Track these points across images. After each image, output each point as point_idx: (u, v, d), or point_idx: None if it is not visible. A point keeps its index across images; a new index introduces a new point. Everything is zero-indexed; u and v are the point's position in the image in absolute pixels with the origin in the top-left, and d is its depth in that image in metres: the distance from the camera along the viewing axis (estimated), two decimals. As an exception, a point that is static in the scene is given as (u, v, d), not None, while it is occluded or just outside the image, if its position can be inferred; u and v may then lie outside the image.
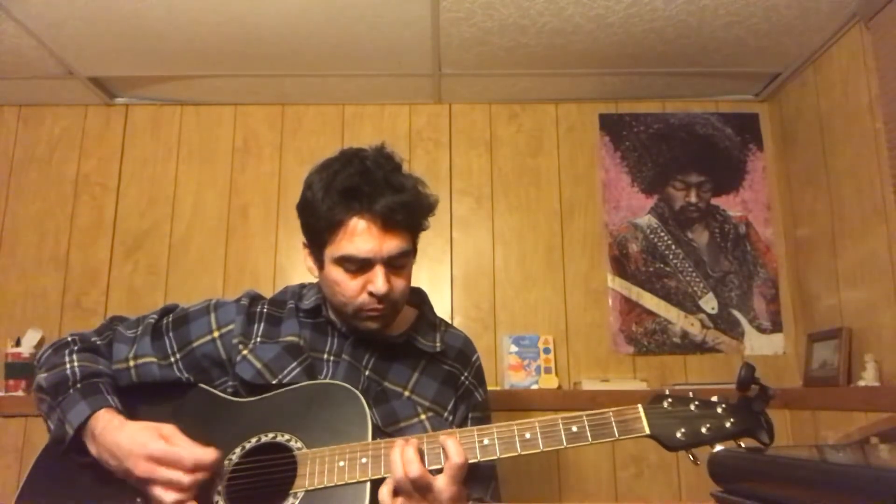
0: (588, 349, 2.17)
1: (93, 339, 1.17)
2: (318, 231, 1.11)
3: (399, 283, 1.13)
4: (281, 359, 1.15)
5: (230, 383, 1.16)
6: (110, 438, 1.00)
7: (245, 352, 1.16)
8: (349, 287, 1.11)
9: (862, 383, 1.73)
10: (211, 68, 2.12)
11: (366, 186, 1.08)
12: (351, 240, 1.08)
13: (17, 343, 2.08)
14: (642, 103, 2.34)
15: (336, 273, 1.11)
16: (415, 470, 0.92)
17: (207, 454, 0.96)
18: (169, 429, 0.99)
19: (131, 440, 0.98)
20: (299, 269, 2.18)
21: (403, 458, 0.94)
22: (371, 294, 1.10)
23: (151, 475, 0.96)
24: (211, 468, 0.97)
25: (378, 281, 1.08)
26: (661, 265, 2.22)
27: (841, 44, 1.90)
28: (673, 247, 2.23)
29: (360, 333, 1.17)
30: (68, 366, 1.09)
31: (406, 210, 1.10)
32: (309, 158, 2.27)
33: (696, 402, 0.98)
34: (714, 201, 2.27)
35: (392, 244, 1.09)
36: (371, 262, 1.09)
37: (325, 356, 1.18)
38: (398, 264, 1.12)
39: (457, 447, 0.94)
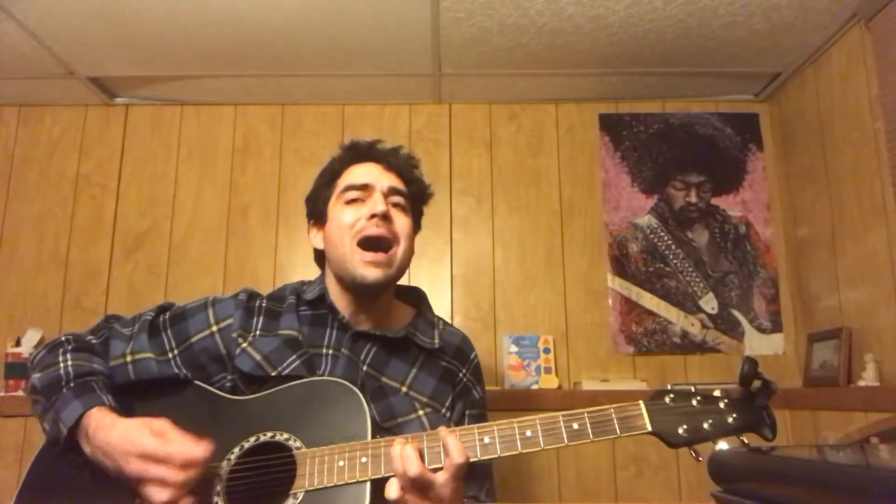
0: (588, 349, 2.16)
1: (87, 338, 1.17)
2: (325, 186, 1.24)
3: (400, 221, 1.20)
4: (280, 351, 1.15)
5: (229, 377, 1.15)
6: (102, 437, 0.99)
7: (244, 344, 1.16)
8: (351, 216, 1.18)
9: (862, 383, 1.73)
10: (211, 68, 2.12)
11: (367, 143, 1.26)
12: (352, 174, 1.22)
13: (17, 343, 2.09)
14: (642, 103, 2.34)
15: (339, 211, 1.19)
16: (414, 468, 0.92)
17: (198, 450, 0.94)
18: (161, 424, 0.97)
19: (123, 437, 0.97)
20: (299, 269, 2.19)
21: (402, 456, 0.93)
22: (372, 216, 1.15)
23: (142, 473, 0.94)
24: (203, 464, 0.94)
25: (378, 203, 1.16)
26: (661, 265, 2.22)
27: (841, 44, 1.90)
28: (673, 247, 2.23)
29: (360, 305, 1.19)
30: (61, 365, 1.08)
31: (403, 159, 1.25)
32: (309, 158, 2.31)
33: (698, 398, 0.96)
34: (714, 201, 2.27)
35: (392, 179, 1.22)
36: (371, 188, 1.19)
37: (324, 350, 1.18)
38: (398, 202, 1.21)
39: (457, 445, 0.94)
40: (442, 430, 0.98)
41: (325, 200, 1.23)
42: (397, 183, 1.21)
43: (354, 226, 1.15)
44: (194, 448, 0.94)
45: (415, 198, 1.25)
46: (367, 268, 1.14)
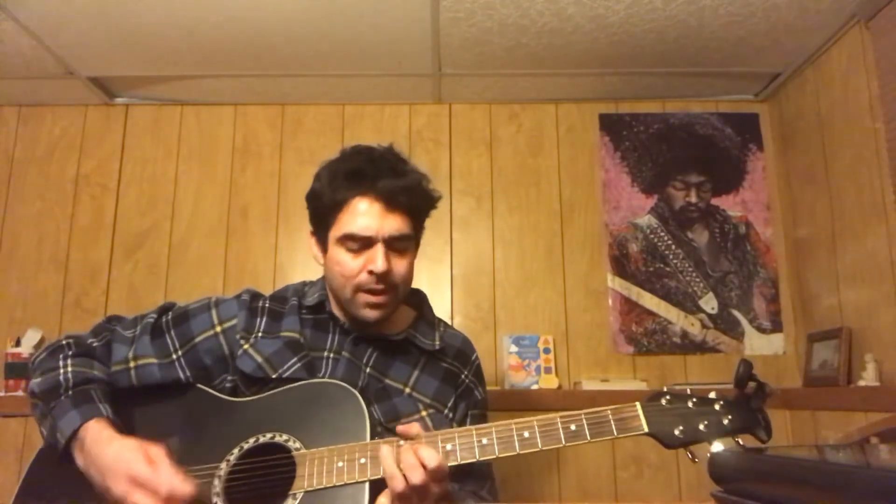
0: (588, 349, 2.16)
1: (89, 341, 1.16)
2: (324, 213, 1.15)
3: (399, 267, 1.15)
4: (281, 353, 1.15)
5: (229, 378, 1.16)
6: (97, 452, 0.98)
7: (246, 346, 1.16)
8: (349, 266, 1.13)
9: (862, 383, 1.73)
10: (211, 68, 2.12)
11: (370, 169, 1.13)
12: (353, 218, 1.12)
13: (17, 343, 2.09)
14: (642, 103, 2.34)
15: (339, 253, 1.14)
16: (418, 477, 0.91)
17: (184, 487, 0.93)
18: (156, 451, 0.97)
19: (116, 457, 0.96)
20: (299, 269, 2.19)
21: (406, 466, 0.92)
22: (371, 273, 1.11)
23: (126, 497, 0.93)
24: (185, 501, 0.94)
25: (378, 260, 1.11)
26: (661, 265, 2.22)
27: (841, 44, 1.90)
28: (673, 247, 2.23)
29: (360, 326, 1.18)
30: (61, 371, 1.08)
31: (408, 193, 1.14)
32: (309, 158, 2.31)
33: (694, 400, 0.97)
34: (714, 201, 2.27)
35: (393, 225, 1.13)
36: (372, 241, 1.12)
37: (326, 353, 1.18)
38: (399, 247, 1.15)
39: (430, 453, 0.93)
40: (413, 444, 0.97)
41: (325, 227, 1.16)
42: (400, 226, 1.13)
43: (354, 277, 1.13)
44: (181, 483, 0.94)
45: (421, 226, 1.21)
46: (366, 309, 1.14)
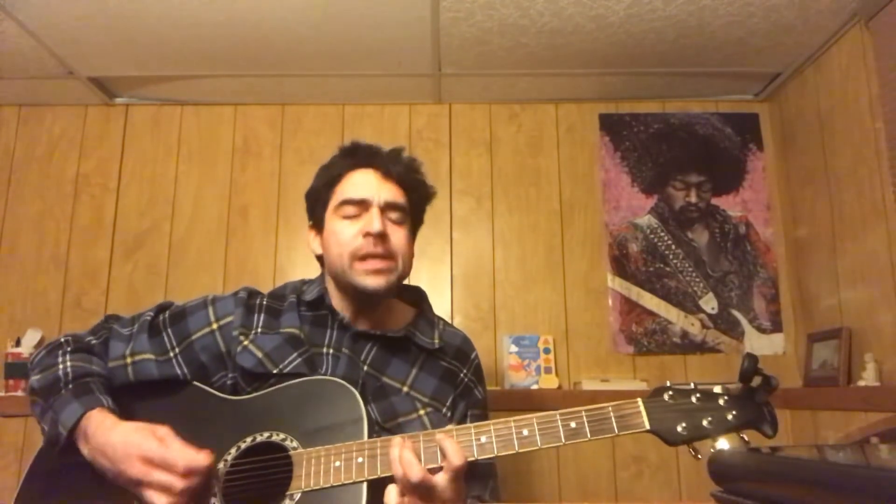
0: (588, 349, 2.16)
1: (87, 338, 1.17)
2: (322, 193, 1.21)
3: (397, 236, 1.17)
4: (282, 349, 1.15)
5: (230, 375, 1.15)
6: (103, 438, 0.98)
7: (246, 342, 1.16)
8: (346, 233, 1.15)
9: (862, 383, 1.73)
10: (211, 68, 2.12)
11: (366, 149, 1.22)
12: (350, 186, 1.18)
13: (17, 343, 2.09)
14: (642, 103, 2.34)
15: (336, 223, 1.17)
16: (416, 474, 0.91)
17: (201, 459, 0.94)
18: (163, 430, 0.98)
19: (125, 441, 0.97)
20: (299, 269, 2.19)
21: (402, 461, 0.92)
22: (367, 235, 1.13)
23: (145, 477, 0.94)
24: (204, 473, 0.95)
25: (375, 221, 1.13)
26: (661, 265, 2.22)
27: (841, 44, 1.90)
28: (673, 247, 2.23)
29: (362, 307, 1.18)
30: (60, 367, 1.09)
31: (403, 166, 1.21)
32: (309, 158, 2.31)
33: (698, 395, 0.96)
34: (714, 201, 2.26)
35: (390, 192, 1.18)
36: (368, 204, 1.16)
37: (325, 349, 1.18)
38: (395, 218, 1.18)
39: (454, 447, 0.93)
40: (438, 433, 0.97)
41: (322, 205, 1.20)
42: (396, 195, 1.18)
43: (351, 243, 1.14)
44: (197, 456, 0.94)
45: (415, 206, 1.23)
46: (367, 276, 1.14)
